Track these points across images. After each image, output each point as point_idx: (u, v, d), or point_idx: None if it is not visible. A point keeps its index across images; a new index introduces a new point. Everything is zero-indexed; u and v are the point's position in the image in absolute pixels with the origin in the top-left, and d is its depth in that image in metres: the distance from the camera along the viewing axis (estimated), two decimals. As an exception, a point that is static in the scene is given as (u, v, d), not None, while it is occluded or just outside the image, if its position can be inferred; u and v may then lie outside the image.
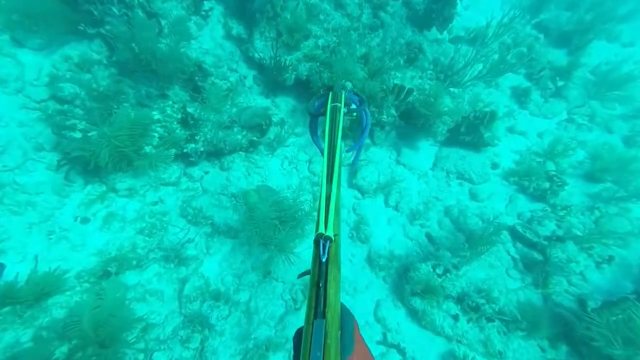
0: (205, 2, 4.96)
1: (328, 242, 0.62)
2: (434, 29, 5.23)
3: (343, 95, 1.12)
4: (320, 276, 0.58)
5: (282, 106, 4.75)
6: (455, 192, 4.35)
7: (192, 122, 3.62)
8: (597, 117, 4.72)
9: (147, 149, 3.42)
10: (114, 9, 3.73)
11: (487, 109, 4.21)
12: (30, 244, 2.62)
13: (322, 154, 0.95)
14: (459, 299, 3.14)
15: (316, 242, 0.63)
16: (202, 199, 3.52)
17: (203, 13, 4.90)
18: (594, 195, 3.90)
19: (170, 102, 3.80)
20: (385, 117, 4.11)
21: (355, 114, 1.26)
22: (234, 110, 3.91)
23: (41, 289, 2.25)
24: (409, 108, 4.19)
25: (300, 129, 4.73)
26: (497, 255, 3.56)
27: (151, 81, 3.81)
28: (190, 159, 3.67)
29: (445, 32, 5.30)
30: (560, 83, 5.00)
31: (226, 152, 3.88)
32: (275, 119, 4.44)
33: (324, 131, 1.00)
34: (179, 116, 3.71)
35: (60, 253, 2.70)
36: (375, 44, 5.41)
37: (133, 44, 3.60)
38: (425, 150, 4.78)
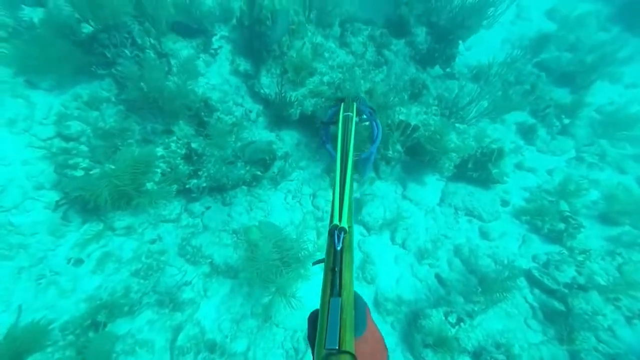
0: (214, 41, 5.16)
1: (342, 232, 0.66)
2: (437, 67, 5.34)
3: (354, 106, 1.16)
4: (335, 262, 0.61)
5: (287, 140, 4.75)
6: (465, 229, 4.19)
7: (195, 157, 3.59)
8: (607, 156, 4.65)
9: (149, 185, 3.36)
10: (127, 51, 3.86)
11: (494, 146, 4.16)
12: (17, 291, 2.48)
13: (334, 159, 1.02)
14: (476, 354, 2.88)
15: (331, 233, 0.67)
16: (202, 237, 3.40)
17: (212, 51, 5.08)
18: (613, 239, 3.71)
19: (175, 138, 3.81)
20: (390, 152, 4.06)
21: (366, 123, 1.22)
22: (239, 144, 3.89)
23: (19, 346, 2.07)
24: (415, 144, 4.15)
25: (305, 162, 4.70)
26: (513, 302, 3.32)
27: (157, 117, 3.85)
28: (192, 194, 3.59)
29: (448, 69, 5.41)
30: (566, 121, 4.99)
31: (229, 187, 3.82)
32: (279, 153, 4.42)
33: (336, 138, 1.06)
34: (183, 151, 3.69)
35: (48, 300, 2.55)
36: (379, 79, 5.52)
37: (142, 84, 3.67)
38: (432, 185, 4.68)
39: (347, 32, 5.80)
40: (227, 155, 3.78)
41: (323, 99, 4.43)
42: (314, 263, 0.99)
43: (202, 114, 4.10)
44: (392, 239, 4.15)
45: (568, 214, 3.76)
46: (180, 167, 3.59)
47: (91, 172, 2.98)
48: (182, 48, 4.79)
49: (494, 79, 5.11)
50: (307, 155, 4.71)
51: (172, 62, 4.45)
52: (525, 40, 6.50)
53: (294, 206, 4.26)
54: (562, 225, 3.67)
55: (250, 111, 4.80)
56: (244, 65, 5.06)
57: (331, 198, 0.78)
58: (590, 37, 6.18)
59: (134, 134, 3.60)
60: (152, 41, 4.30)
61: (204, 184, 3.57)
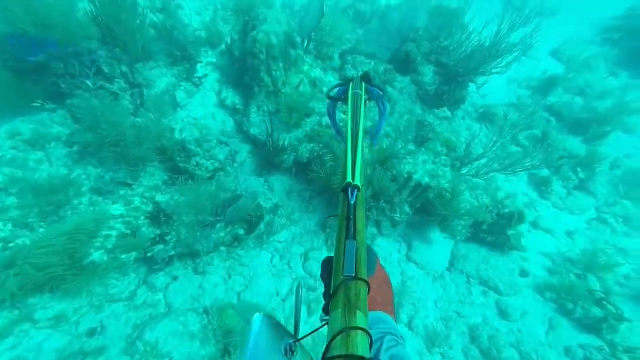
0: (199, 68, 4.58)
1: (356, 190, 0.70)
2: (445, 109, 4.91)
3: (363, 85, 1.17)
4: (349, 213, 0.66)
5: (277, 187, 4.12)
6: (480, 304, 3.60)
7: (164, 218, 2.89)
8: (633, 220, 4.24)
9: (97, 255, 2.63)
10: (88, 82, 3.20)
11: (512, 208, 3.67)
12: None
13: (341, 136, 1.15)
14: None
15: (345, 190, 0.71)
16: (161, 324, 2.66)
17: (196, 80, 4.49)
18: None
19: (141, 190, 3.12)
20: (398, 215, 3.49)
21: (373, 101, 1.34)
22: (220, 199, 3.23)
23: None
24: (425, 203, 3.60)
25: (298, 215, 4.06)
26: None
27: (120, 163, 3.16)
28: (155, 266, 2.88)
29: (456, 112, 4.98)
30: (582, 175, 4.61)
31: (203, 253, 3.12)
32: (267, 205, 3.78)
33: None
34: (149, 209, 3.00)
35: None
36: (381, 118, 5.02)
37: (102, 123, 3.00)
38: (440, 245, 4.11)
39: (347, 64, 5.36)
40: (205, 212, 3.11)
41: (321, 145, 3.86)
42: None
43: (178, 159, 3.44)
44: (397, 317, 3.50)
45: (601, 295, 3.24)
46: (144, 229, 2.89)
47: (11, 245, 2.25)
48: (161, 76, 4.18)
49: (504, 123, 4.73)
50: (300, 206, 4.09)
51: (146, 93, 3.81)
52: (533, 81, 6.24)
53: (282, 270, 3.59)
54: (597, 311, 3.14)
55: (237, 152, 4.18)
56: (232, 97, 4.48)
57: (344, 168, 0.77)
58: (599, 82, 5.97)
59: (84, 185, 2.89)
60: (124, 69, 3.66)
61: (172, 252, 2.87)
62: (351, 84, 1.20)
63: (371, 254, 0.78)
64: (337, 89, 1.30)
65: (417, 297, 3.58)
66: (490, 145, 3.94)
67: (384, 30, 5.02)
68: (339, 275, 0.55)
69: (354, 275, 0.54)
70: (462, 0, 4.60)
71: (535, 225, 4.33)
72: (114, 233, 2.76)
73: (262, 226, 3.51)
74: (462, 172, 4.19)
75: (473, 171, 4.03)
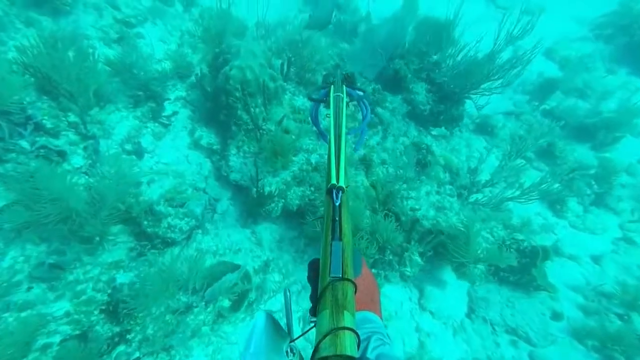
0: (167, 105, 4.04)
1: (340, 191, 0.71)
2: (442, 128, 4.49)
3: (344, 88, 1.17)
4: (335, 214, 0.66)
5: (266, 238, 3.58)
6: (511, 358, 3.10)
7: (124, 311, 2.31)
8: (665, 239, 3.86)
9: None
10: (24, 143, 2.63)
11: (533, 242, 3.21)
12: None
13: (324, 139, 1.14)
14: None
15: (329, 192, 0.72)
16: None
17: (164, 119, 3.95)
18: None
19: (96, 272, 2.53)
20: (409, 269, 2.99)
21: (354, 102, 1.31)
22: (198, 270, 2.66)
23: None
24: (436, 246, 3.11)
25: (291, 266, 3.51)
26: None
27: (69, 239, 2.57)
28: (116, 373, 2.28)
29: (455, 130, 4.56)
30: (597, 188, 4.22)
31: (178, 345, 2.53)
32: (257, 264, 3.23)
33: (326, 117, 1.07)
34: (105, 298, 2.41)
35: None
36: (374, 142, 4.58)
37: (43, 194, 2.42)
38: (455, 286, 3.63)
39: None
40: (179, 298, 2.54)
41: (312, 188, 3.35)
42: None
43: (145, 222, 2.87)
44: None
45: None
46: (98, 327, 2.29)
47: None
48: (122, 120, 3.63)
49: (510, 143, 4.33)
50: (294, 257, 3.55)
51: (104, 144, 3.25)
52: (528, 84, 5.90)
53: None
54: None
55: (217, 200, 3.63)
56: (207, 136, 3.95)
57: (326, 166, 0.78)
58: (599, 81, 5.68)
59: (23, 269, 2.30)
60: (72, 119, 3.10)
61: (137, 354, 2.28)
62: (332, 86, 1.19)
63: (357, 255, 0.81)
64: (320, 91, 1.28)
65: (439, 358, 3.05)
66: (499, 170, 3.50)
67: (369, 48, 4.60)
68: (325, 277, 0.56)
69: (340, 275, 0.55)
70: (450, 13, 4.21)
71: (557, 251, 3.90)
72: (56, 339, 2.16)
73: (251, 294, 2.95)
74: (471, 200, 3.73)
75: (483, 199, 3.58)
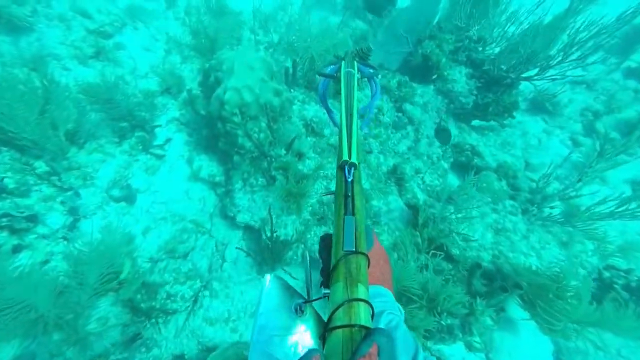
0: (158, 132, 3.43)
1: (353, 167, 0.69)
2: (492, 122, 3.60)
3: (355, 64, 1.11)
4: (347, 190, 0.65)
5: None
6: None
7: None
8: None
9: None
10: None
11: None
12: None
13: (332, 119, 1.17)
14: None
15: (341, 167, 0.70)
16: None
17: (157, 150, 3.35)
18: None
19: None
20: (477, 339, 2.30)
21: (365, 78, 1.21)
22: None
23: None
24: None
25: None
26: None
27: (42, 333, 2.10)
28: None
29: (507, 121, 3.65)
30: None
31: None
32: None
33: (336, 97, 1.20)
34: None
35: None
36: (405, 147, 3.79)
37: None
38: (532, 330, 2.90)
39: (349, 83, 4.06)
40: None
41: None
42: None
43: (139, 296, 2.35)
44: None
45: None
46: None
47: None
48: (106, 158, 3.05)
49: (569, 110, 3.39)
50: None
51: (84, 194, 2.70)
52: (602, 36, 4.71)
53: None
54: None
55: (225, 245, 3.05)
56: (207, 166, 3.34)
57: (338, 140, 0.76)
58: None
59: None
60: (43, 168, 2.56)
61: None
62: (343, 62, 1.13)
63: (369, 231, 0.81)
64: (330, 66, 1.20)
65: None
66: (580, 177, 2.65)
67: (392, 36, 3.69)
68: (339, 250, 0.56)
69: (354, 249, 0.55)
70: None
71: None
72: None
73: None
74: (543, 214, 2.93)
75: (557, 215, 2.77)
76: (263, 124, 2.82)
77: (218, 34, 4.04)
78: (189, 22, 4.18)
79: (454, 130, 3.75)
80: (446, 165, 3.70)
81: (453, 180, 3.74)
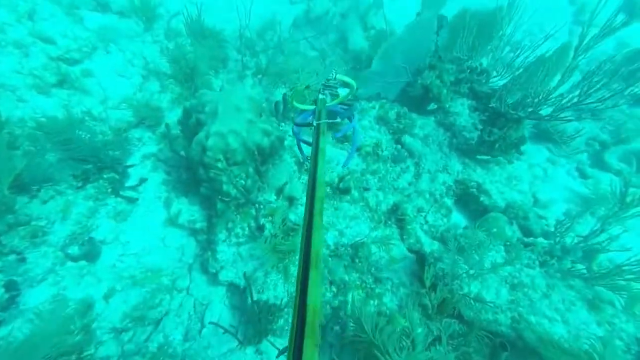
0: (132, 171, 3.02)
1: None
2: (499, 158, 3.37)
3: (324, 112, 1.17)
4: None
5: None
6: None
7: None
8: None
9: None
10: None
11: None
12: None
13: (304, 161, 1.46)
14: None
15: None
16: None
17: (129, 192, 2.94)
18: None
19: None
20: None
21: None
22: None
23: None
24: None
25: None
26: None
27: None
28: None
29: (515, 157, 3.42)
30: None
31: None
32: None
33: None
34: None
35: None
36: (405, 182, 3.53)
37: None
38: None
39: (344, 113, 3.79)
40: None
41: (335, 287, 2.34)
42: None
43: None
44: None
45: None
46: None
47: None
48: (67, 208, 2.62)
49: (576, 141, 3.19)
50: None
51: (31, 260, 2.27)
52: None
53: None
54: None
55: (205, 305, 2.64)
56: (187, 210, 2.97)
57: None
58: None
59: None
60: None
61: None
62: (315, 108, 1.23)
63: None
64: (303, 114, 1.31)
65: None
66: (602, 227, 2.41)
67: (389, 67, 3.46)
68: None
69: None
70: (495, 1, 3.00)
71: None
72: None
73: None
74: (564, 266, 2.66)
75: (582, 269, 2.52)
76: (250, 169, 2.48)
77: (199, 60, 3.72)
78: (168, 46, 3.84)
79: (457, 166, 3.50)
80: (450, 203, 3.43)
81: (457, 218, 3.48)
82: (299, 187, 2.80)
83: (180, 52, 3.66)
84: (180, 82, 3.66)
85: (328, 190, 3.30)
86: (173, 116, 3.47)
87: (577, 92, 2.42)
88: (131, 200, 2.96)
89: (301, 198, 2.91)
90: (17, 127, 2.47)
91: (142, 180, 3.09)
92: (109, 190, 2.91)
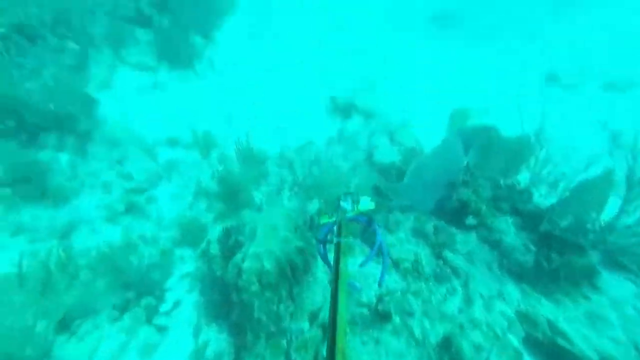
0: (168, 295, 3.05)
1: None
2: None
3: (343, 229, 1.16)
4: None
5: None
6: None
7: None
8: None
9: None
10: None
11: None
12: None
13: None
14: None
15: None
16: None
17: (161, 319, 2.90)
18: None
19: None
20: None
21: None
22: None
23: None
24: None
25: None
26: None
27: None
28: None
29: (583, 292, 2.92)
30: None
31: None
32: None
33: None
34: None
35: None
36: (455, 308, 3.08)
37: None
38: None
39: (379, 227, 3.73)
40: None
41: None
42: None
43: None
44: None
45: None
46: None
47: None
48: (99, 343, 2.59)
49: None
50: None
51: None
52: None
53: None
54: None
55: None
56: (215, 341, 2.79)
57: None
58: None
59: None
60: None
61: None
62: (335, 225, 1.21)
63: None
64: (325, 228, 1.33)
65: None
66: None
67: (419, 181, 3.54)
68: None
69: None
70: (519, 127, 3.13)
71: None
72: None
73: None
74: None
75: None
76: (284, 292, 2.38)
77: (244, 176, 4.15)
78: (219, 169, 4.42)
79: (515, 293, 3.05)
80: (516, 343, 2.84)
81: (530, 363, 2.80)
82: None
83: (227, 172, 4.16)
84: (225, 199, 4.02)
85: (366, 312, 2.99)
86: (215, 233, 3.70)
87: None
88: (162, 329, 2.89)
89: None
90: (82, 258, 2.75)
91: (176, 304, 3.09)
92: (144, 318, 2.91)
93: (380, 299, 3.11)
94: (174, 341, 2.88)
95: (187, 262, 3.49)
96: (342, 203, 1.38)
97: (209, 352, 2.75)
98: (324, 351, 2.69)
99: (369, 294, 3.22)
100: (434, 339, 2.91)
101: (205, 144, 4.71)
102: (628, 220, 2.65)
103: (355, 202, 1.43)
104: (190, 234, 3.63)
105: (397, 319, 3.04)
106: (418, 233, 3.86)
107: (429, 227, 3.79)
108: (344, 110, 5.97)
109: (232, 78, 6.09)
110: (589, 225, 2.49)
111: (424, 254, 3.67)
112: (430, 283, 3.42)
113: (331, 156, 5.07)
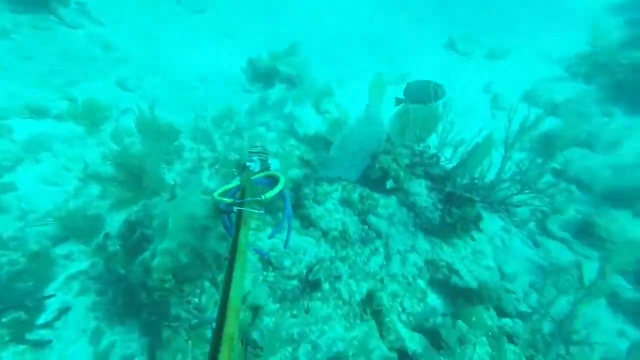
0: (49, 303, 2.47)
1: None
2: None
3: (249, 188, 1.07)
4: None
5: None
6: None
7: None
8: None
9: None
10: None
11: None
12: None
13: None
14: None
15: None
16: None
17: (41, 333, 2.34)
18: None
19: None
20: None
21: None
22: None
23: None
24: None
25: None
26: None
27: None
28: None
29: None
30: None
31: None
32: None
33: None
34: None
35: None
36: (376, 266, 3.33)
37: None
38: None
39: (307, 199, 3.73)
40: None
41: None
42: None
43: None
44: None
45: None
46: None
47: None
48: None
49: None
50: None
51: None
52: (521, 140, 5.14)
53: None
54: None
55: None
56: (122, 343, 2.38)
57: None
58: (601, 127, 5.07)
59: None
60: None
61: None
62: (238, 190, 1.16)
63: None
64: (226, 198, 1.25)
65: None
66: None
67: (345, 153, 3.54)
68: None
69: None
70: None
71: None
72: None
73: None
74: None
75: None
76: (206, 283, 2.12)
77: (150, 155, 3.49)
78: (112, 146, 3.62)
79: (425, 245, 3.42)
80: (423, 285, 3.24)
81: (433, 300, 3.25)
82: (264, 293, 2.44)
83: (126, 149, 3.43)
84: (125, 183, 3.36)
85: (296, 284, 2.98)
86: (115, 223, 3.08)
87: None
88: (39, 345, 2.33)
89: (266, 305, 2.54)
90: None
91: (64, 310, 2.52)
92: (7, 338, 2.27)
93: (310, 269, 3.13)
94: (64, 353, 2.37)
95: (76, 261, 2.85)
96: (248, 163, 1.23)
97: (114, 356, 2.35)
98: (253, 335, 2.58)
99: (300, 267, 3.21)
100: (358, 297, 3.11)
101: (90, 115, 3.76)
102: (505, 176, 3.18)
103: (264, 161, 1.28)
104: (79, 227, 2.95)
105: (326, 286, 3.12)
106: (345, 202, 3.95)
107: (355, 195, 3.90)
108: (266, 75, 5.52)
109: (118, 28, 4.82)
110: (477, 182, 2.86)
111: (351, 221, 3.80)
112: (357, 247, 3.59)
113: (254, 126, 4.69)
